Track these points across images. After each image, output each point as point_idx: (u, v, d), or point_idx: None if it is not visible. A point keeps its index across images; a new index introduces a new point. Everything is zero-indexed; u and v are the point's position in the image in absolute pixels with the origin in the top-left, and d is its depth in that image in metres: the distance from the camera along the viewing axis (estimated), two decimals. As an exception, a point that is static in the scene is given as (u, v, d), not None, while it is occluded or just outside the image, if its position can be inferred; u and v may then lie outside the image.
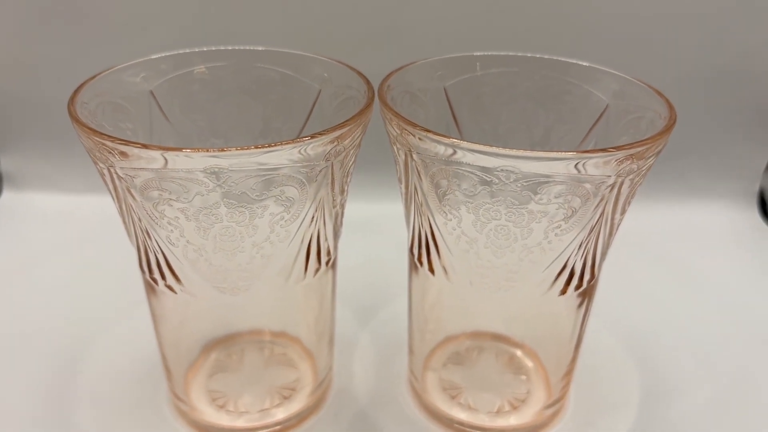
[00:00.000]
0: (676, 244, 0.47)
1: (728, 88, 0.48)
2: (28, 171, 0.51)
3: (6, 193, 0.51)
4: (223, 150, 0.22)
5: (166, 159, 0.22)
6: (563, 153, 0.22)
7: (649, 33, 0.46)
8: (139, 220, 0.25)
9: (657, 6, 0.45)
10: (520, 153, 0.22)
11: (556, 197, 0.23)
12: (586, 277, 0.27)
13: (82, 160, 0.50)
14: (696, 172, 0.51)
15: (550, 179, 0.23)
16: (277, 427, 0.31)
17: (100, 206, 0.49)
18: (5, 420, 0.31)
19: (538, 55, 0.31)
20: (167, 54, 0.29)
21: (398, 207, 0.31)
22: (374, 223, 0.46)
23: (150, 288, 0.28)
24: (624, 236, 0.47)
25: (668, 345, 0.37)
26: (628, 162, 0.23)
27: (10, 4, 0.45)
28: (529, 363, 0.34)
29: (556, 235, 0.25)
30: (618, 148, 0.23)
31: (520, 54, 0.31)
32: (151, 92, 0.30)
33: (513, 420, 0.31)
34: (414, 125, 0.24)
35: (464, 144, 0.22)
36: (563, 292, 0.27)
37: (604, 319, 0.38)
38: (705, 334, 0.38)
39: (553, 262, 0.26)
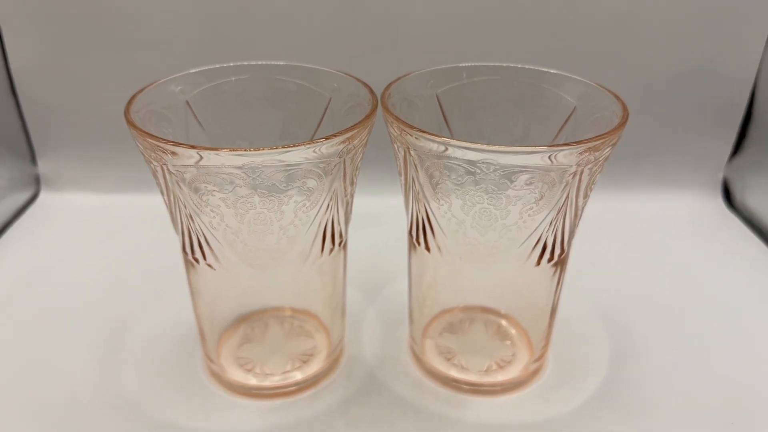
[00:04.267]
0: (648, 229, 0.52)
1: (694, 90, 0.52)
2: (63, 173, 0.55)
3: (43, 193, 0.56)
4: (254, 150, 0.27)
5: (205, 156, 0.26)
6: (532, 147, 0.27)
7: (624, 41, 0.50)
8: (185, 207, 0.30)
9: (630, 16, 0.50)
10: (497, 148, 0.27)
11: (527, 184, 0.28)
12: (557, 251, 0.32)
13: (112, 163, 0.55)
14: (666, 164, 0.55)
15: (523, 169, 0.28)
16: (296, 387, 0.36)
17: (130, 204, 0.54)
18: (62, 383, 0.36)
19: (517, 65, 0.36)
20: (202, 69, 0.34)
21: (397, 201, 0.35)
22: (378, 215, 0.50)
23: (191, 267, 0.33)
24: (600, 222, 0.52)
25: (636, 315, 0.41)
26: (587, 154, 0.28)
27: (47, 25, 0.50)
28: (513, 330, 0.39)
29: (529, 215, 0.30)
30: (578, 142, 0.28)
31: (501, 64, 0.36)
32: (187, 102, 0.35)
33: (500, 377, 0.36)
34: (411, 127, 0.29)
35: (453, 142, 0.27)
36: (538, 263, 0.32)
37: (580, 293, 0.43)
38: (668, 305, 0.43)
39: (527, 238, 0.31)
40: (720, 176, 0.56)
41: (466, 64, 0.36)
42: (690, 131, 0.54)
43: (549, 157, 0.28)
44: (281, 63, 0.35)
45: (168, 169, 0.28)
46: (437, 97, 0.36)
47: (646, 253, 0.49)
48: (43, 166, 0.56)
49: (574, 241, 0.42)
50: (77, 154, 0.55)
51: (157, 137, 0.27)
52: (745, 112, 0.52)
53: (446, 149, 0.28)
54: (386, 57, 0.51)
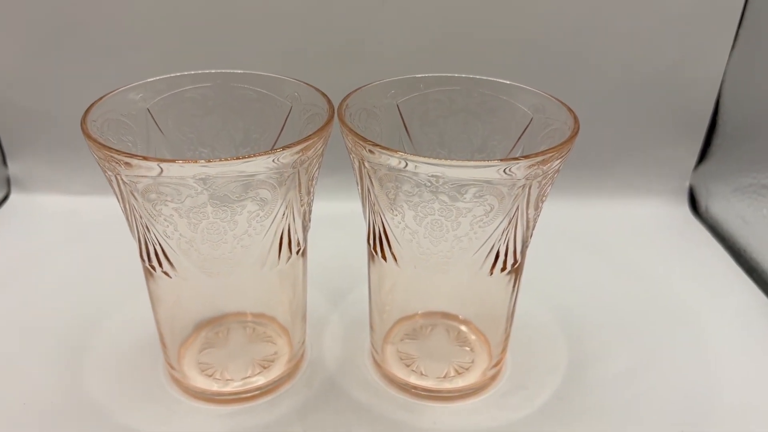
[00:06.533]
0: (613, 236, 0.52)
1: (660, 100, 0.53)
2: (33, 175, 0.55)
3: (14, 195, 0.56)
4: (209, 161, 0.27)
5: (162, 168, 0.27)
6: (481, 162, 0.27)
7: (593, 51, 0.51)
8: (140, 217, 0.30)
9: (598, 26, 0.50)
10: (444, 162, 0.27)
11: (477, 197, 0.29)
12: (510, 261, 0.33)
13: (83, 166, 0.56)
14: (634, 173, 0.56)
15: (472, 183, 0.28)
16: (257, 392, 0.36)
17: (99, 206, 0.54)
18: (25, 387, 0.36)
19: (476, 76, 0.36)
20: (162, 77, 0.35)
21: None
22: (343, 220, 0.51)
23: (149, 274, 0.33)
24: (566, 229, 0.53)
25: (596, 321, 0.42)
26: (535, 167, 0.29)
27: (20, 29, 0.50)
28: (473, 336, 0.39)
29: (480, 227, 0.30)
30: (526, 156, 0.28)
31: (461, 75, 0.36)
32: (148, 110, 0.35)
33: (458, 383, 0.37)
34: (364, 139, 0.29)
35: (398, 154, 0.28)
36: (491, 273, 0.32)
37: (543, 299, 0.44)
38: (628, 312, 0.43)
39: (479, 248, 0.31)
40: (686, 184, 0.56)
41: (427, 75, 0.36)
42: (656, 140, 0.55)
43: (505, 170, 0.28)
44: (241, 71, 0.35)
45: (122, 179, 0.29)
46: (398, 107, 0.36)
47: (609, 260, 0.50)
48: (14, 168, 0.56)
49: (540, 247, 0.43)
50: (48, 156, 0.55)
51: (109, 148, 0.28)
52: (709, 121, 0.53)
53: (401, 163, 0.28)
54: (348, 66, 0.51)
